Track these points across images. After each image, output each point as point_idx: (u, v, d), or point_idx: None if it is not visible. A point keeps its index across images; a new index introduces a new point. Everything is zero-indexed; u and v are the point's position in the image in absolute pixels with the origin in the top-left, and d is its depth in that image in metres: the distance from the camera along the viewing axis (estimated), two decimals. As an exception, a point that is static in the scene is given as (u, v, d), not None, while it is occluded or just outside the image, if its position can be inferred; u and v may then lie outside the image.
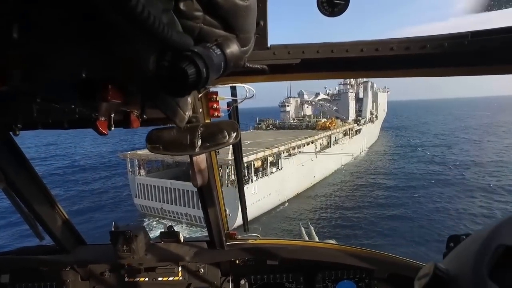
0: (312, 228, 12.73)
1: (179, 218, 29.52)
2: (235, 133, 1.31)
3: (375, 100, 70.81)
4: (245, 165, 28.07)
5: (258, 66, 1.20)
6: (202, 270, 2.58)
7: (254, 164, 29.07)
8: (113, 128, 1.00)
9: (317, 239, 8.02)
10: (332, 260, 2.40)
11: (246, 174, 29.05)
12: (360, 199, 31.95)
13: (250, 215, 27.93)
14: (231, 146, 1.83)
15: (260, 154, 29.54)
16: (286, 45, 1.29)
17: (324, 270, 2.49)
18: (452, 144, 60.50)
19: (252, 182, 28.56)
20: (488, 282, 0.35)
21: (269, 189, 30.08)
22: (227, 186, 26.06)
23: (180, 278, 2.58)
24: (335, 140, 46.96)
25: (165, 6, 0.60)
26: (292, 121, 57.41)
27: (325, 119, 53.31)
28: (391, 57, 1.24)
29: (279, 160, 32.66)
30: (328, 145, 44.36)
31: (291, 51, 1.29)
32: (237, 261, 2.57)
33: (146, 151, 37.43)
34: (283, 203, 32.02)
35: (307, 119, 57.05)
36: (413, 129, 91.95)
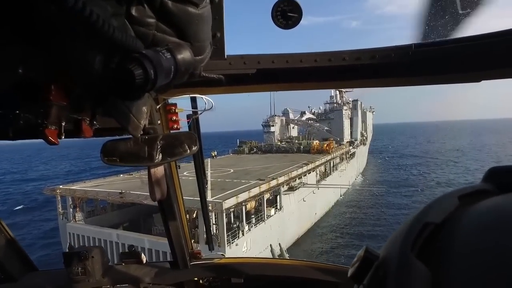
0: (284, 248, 13.60)
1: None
2: (194, 144, 1.30)
3: (364, 120, 65.56)
4: (232, 209, 18.81)
5: (215, 76, 1.13)
6: None
7: (245, 207, 19.82)
8: (63, 137, 0.91)
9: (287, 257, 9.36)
10: (298, 275, 2.29)
11: (232, 220, 19.77)
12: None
13: None
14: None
15: (255, 191, 20.41)
16: (242, 55, 1.31)
17: (291, 286, 2.40)
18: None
19: (243, 235, 19.15)
20: (412, 259, 0.36)
21: (266, 240, 20.82)
22: (218, 246, 16.79)
23: None
24: (333, 165, 39.22)
25: (115, 11, 0.60)
26: (279, 143, 49.20)
27: (317, 141, 45.79)
28: (343, 67, 1.29)
29: (278, 197, 23.70)
30: (327, 172, 36.32)
31: (247, 61, 1.31)
32: (201, 281, 2.45)
33: (84, 184, 26.40)
34: (281, 256, 22.74)
35: (297, 141, 49.21)
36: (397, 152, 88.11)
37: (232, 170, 29.25)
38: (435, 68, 1.27)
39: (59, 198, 23.60)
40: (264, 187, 21.50)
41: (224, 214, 17.67)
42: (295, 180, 26.31)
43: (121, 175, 31.69)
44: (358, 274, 0.43)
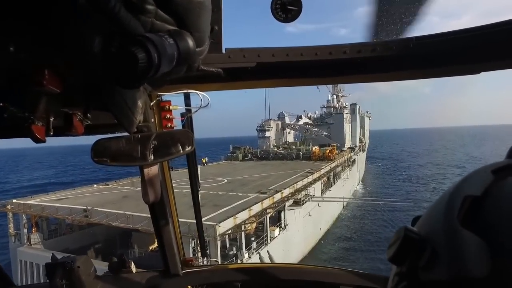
0: (272, 255, 12.92)
1: None
2: (189, 143, 1.25)
3: (362, 125, 62.78)
4: (227, 234, 14.74)
5: (213, 69, 1.12)
6: None
7: (245, 229, 15.72)
8: (51, 133, 0.86)
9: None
10: (296, 278, 2.23)
11: (228, 244, 15.74)
12: None
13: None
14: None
15: (256, 208, 16.41)
16: (242, 49, 1.28)
17: None
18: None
19: (243, 265, 15.07)
20: (461, 229, 0.36)
21: (269, 268, 16.78)
22: None
23: None
24: (337, 173, 35.59)
25: None
26: (276, 149, 45.36)
27: (317, 147, 42.28)
28: (344, 60, 1.27)
29: (282, 214, 19.71)
30: (330, 181, 32.57)
31: (246, 54, 1.28)
32: None
33: (47, 197, 19.91)
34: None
35: (295, 147, 45.53)
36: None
37: (226, 180, 25.19)
38: (435, 61, 1.27)
39: (10, 215, 19.01)
40: (267, 202, 17.53)
41: (219, 242, 13.61)
42: (300, 192, 22.45)
43: (95, 185, 27.20)
44: (399, 255, 0.41)
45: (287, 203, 20.15)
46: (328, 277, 2.15)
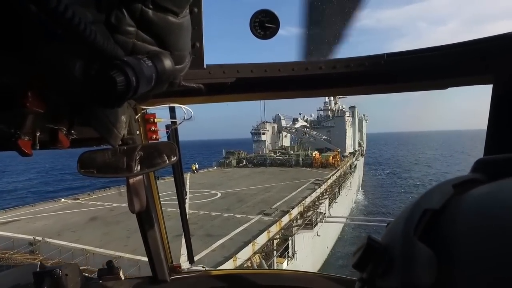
0: (263, 261, 11.86)
1: None
2: (174, 154, 1.30)
3: (360, 128, 60.05)
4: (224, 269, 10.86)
5: (194, 85, 1.15)
6: None
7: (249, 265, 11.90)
8: (38, 148, 0.91)
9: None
10: (286, 284, 2.18)
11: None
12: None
13: None
14: None
15: (262, 240, 12.60)
16: (221, 65, 1.33)
17: None
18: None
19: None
20: (417, 243, 0.38)
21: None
22: None
23: None
24: (341, 182, 32.15)
25: (95, 18, 0.60)
26: (273, 154, 41.66)
27: (317, 152, 38.89)
28: (320, 75, 1.33)
29: (290, 239, 15.92)
30: (335, 191, 29.03)
31: (226, 70, 1.33)
32: None
33: None
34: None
35: (292, 152, 41.97)
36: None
37: (219, 194, 21.29)
38: (405, 76, 1.33)
39: None
40: (274, 229, 13.77)
41: None
42: (308, 209, 18.75)
43: (63, 199, 22.86)
44: (362, 262, 0.44)
45: (295, 226, 16.44)
46: (324, 284, 2.13)
